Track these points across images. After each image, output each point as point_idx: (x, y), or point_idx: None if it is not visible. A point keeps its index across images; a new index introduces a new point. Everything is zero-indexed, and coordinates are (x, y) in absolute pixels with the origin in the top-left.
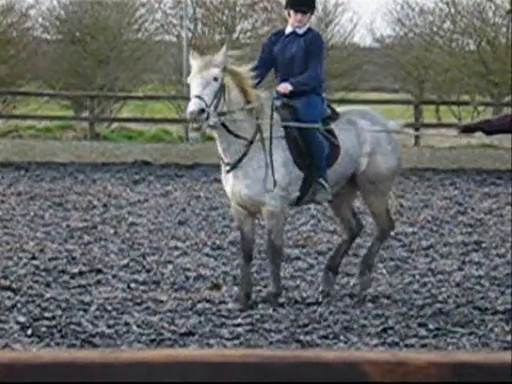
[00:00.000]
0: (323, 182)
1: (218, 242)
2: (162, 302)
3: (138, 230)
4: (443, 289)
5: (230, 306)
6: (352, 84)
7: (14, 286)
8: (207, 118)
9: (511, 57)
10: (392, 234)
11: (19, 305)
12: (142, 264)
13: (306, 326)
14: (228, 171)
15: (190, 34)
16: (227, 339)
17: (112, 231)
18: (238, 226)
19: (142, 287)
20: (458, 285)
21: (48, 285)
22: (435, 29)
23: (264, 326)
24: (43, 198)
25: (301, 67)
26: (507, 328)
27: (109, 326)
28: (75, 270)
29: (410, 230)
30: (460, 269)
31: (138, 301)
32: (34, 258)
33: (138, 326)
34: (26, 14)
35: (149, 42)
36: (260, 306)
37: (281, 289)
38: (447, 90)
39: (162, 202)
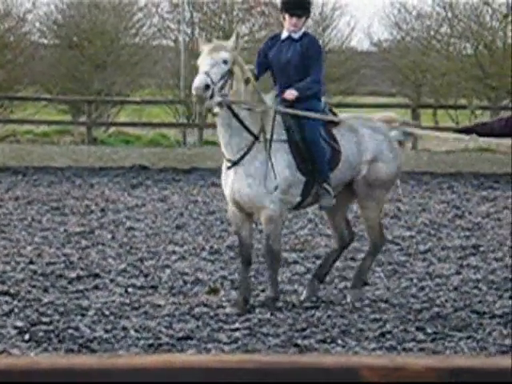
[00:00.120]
0: (327, 187)
1: (215, 246)
2: (159, 306)
3: (135, 235)
4: (441, 293)
5: (227, 310)
6: (349, 88)
7: (11, 290)
8: (212, 97)
9: (511, 60)
10: (390, 237)
11: (17, 310)
12: (139, 268)
13: (303, 330)
14: (229, 167)
15: (187, 39)
16: (225, 343)
17: (110, 236)
18: (236, 231)
19: (139, 292)
20: (455, 289)
21: (46, 289)
22: (432, 33)
23: (262, 331)
24: (41, 202)
25: (297, 72)
26: (505, 332)
27: (106, 331)
28: (73, 275)
29: (408, 233)
30: (458, 273)
31: (136, 305)
32: (31, 262)
33: (136, 331)
34: (23, 18)
35: (146, 47)
36: (258, 310)
37: (279, 293)
38: (444, 93)
39: (160, 206)
